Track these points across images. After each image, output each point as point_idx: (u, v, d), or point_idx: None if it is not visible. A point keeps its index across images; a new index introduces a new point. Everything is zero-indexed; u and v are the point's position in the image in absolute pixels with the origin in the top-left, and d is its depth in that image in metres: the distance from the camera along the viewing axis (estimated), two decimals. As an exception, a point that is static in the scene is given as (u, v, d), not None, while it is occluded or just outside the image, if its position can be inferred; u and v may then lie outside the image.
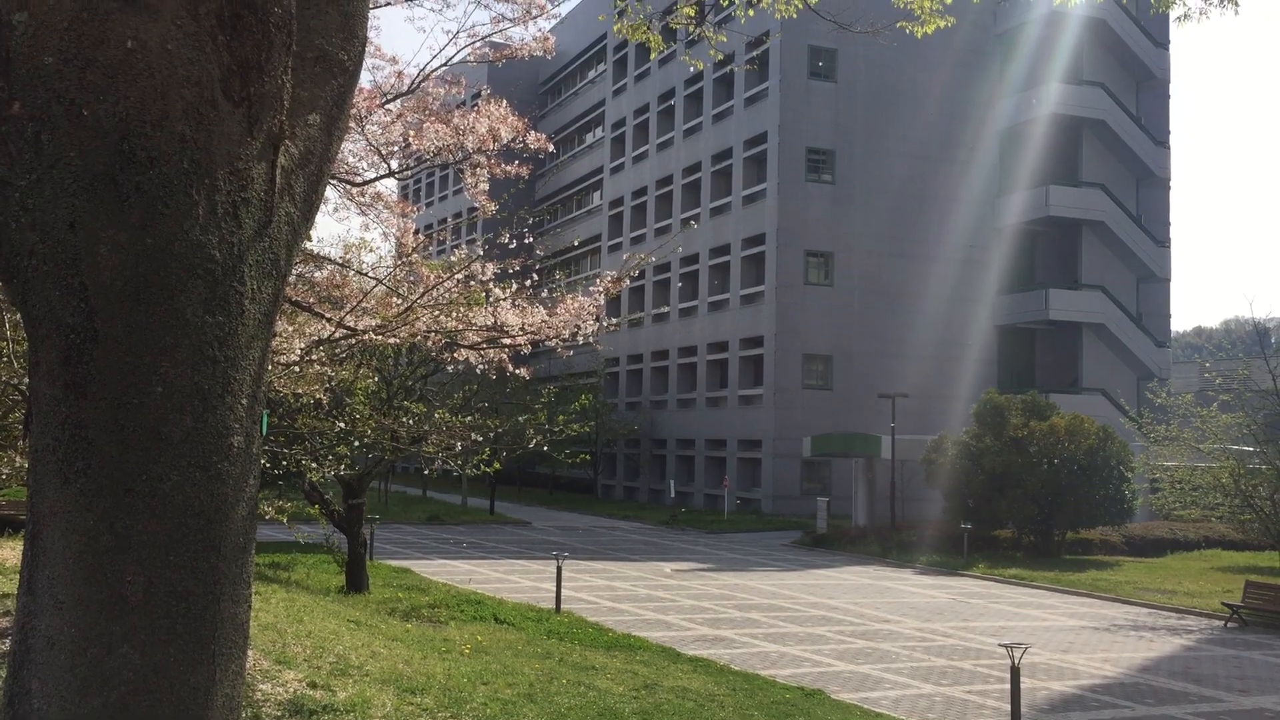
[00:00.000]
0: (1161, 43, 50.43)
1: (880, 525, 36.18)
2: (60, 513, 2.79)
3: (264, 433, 3.11)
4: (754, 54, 47.27)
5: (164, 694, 2.80)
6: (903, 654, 17.49)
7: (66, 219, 2.77)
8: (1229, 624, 22.37)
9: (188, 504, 2.85)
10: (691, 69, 51.95)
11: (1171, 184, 51.60)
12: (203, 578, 2.88)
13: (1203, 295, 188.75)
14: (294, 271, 12.84)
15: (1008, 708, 11.88)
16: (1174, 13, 8.45)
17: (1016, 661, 11.66)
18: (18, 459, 12.50)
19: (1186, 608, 24.36)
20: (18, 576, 2.97)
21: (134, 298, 2.79)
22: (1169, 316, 51.91)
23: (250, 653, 10.37)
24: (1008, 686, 11.86)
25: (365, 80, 11.83)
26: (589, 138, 66.46)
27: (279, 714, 8.96)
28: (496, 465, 16.81)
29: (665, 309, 53.83)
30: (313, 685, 9.73)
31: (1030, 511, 32.69)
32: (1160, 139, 50.38)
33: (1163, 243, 50.19)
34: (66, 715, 2.73)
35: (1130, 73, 50.34)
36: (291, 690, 9.51)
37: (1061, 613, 23.26)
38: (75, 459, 2.78)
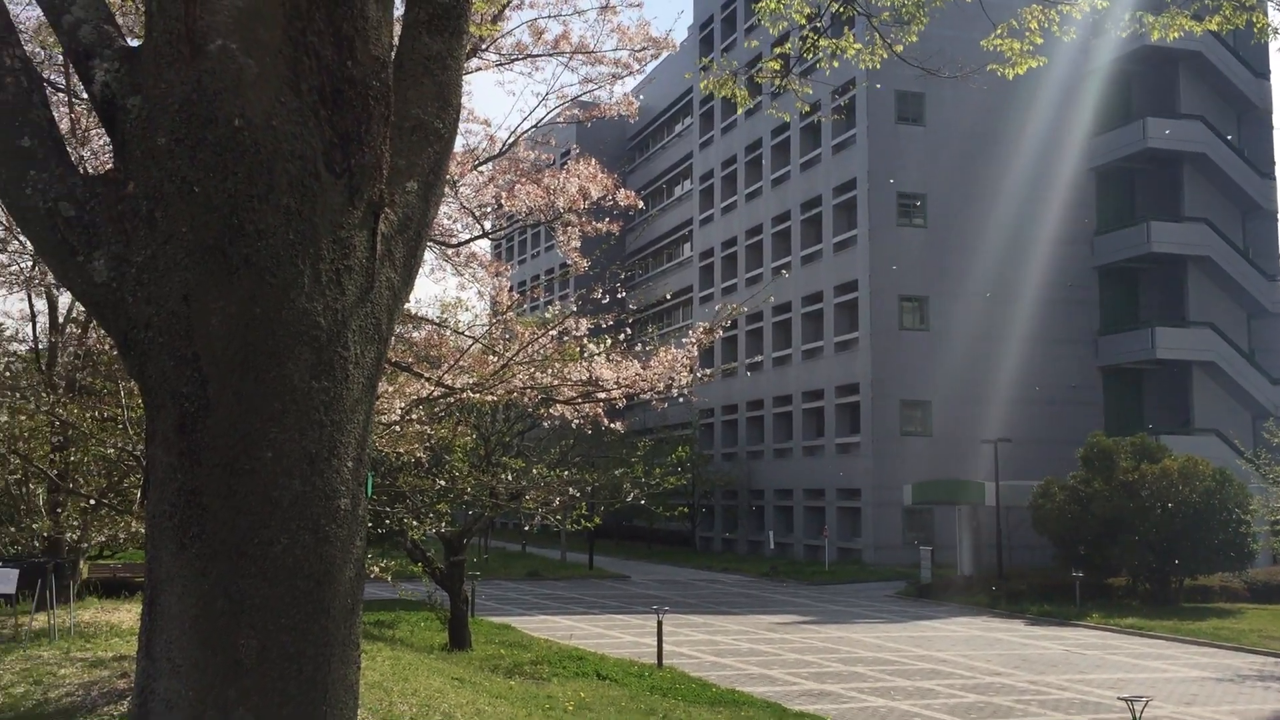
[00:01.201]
0: (1261, 73, 49.16)
1: (987, 574, 35.28)
2: (177, 577, 2.86)
3: (369, 494, 3.17)
4: (840, 101, 47.26)
5: (278, 756, 2.84)
6: (1017, 708, 16.96)
7: (180, 291, 2.87)
8: (1364, 673, 21.28)
9: (298, 567, 2.90)
10: (779, 119, 52.19)
11: (1279, 215, 49.98)
12: (313, 640, 2.92)
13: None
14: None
15: (1130, 763, 11.42)
16: (1275, 43, 8.25)
17: (1138, 715, 11.24)
18: (134, 524, 12.87)
19: (1317, 656, 23.24)
20: (136, 639, 3.04)
21: (244, 366, 2.87)
22: (1285, 353, 50.08)
23: (359, 711, 10.48)
24: (1129, 741, 11.41)
25: (458, 144, 12.10)
26: (678, 190, 66.92)
27: (387, 773, 9.02)
28: (596, 520, 16.83)
29: (759, 358, 53.60)
30: (419, 744, 9.79)
31: (1145, 558, 31.59)
32: (1265, 170, 48.93)
33: (1273, 276, 48.54)
34: (185, 778, 2.78)
35: (1230, 104, 49.09)
36: (398, 749, 9.57)
37: (1182, 663, 22.37)
38: (190, 524, 2.85)
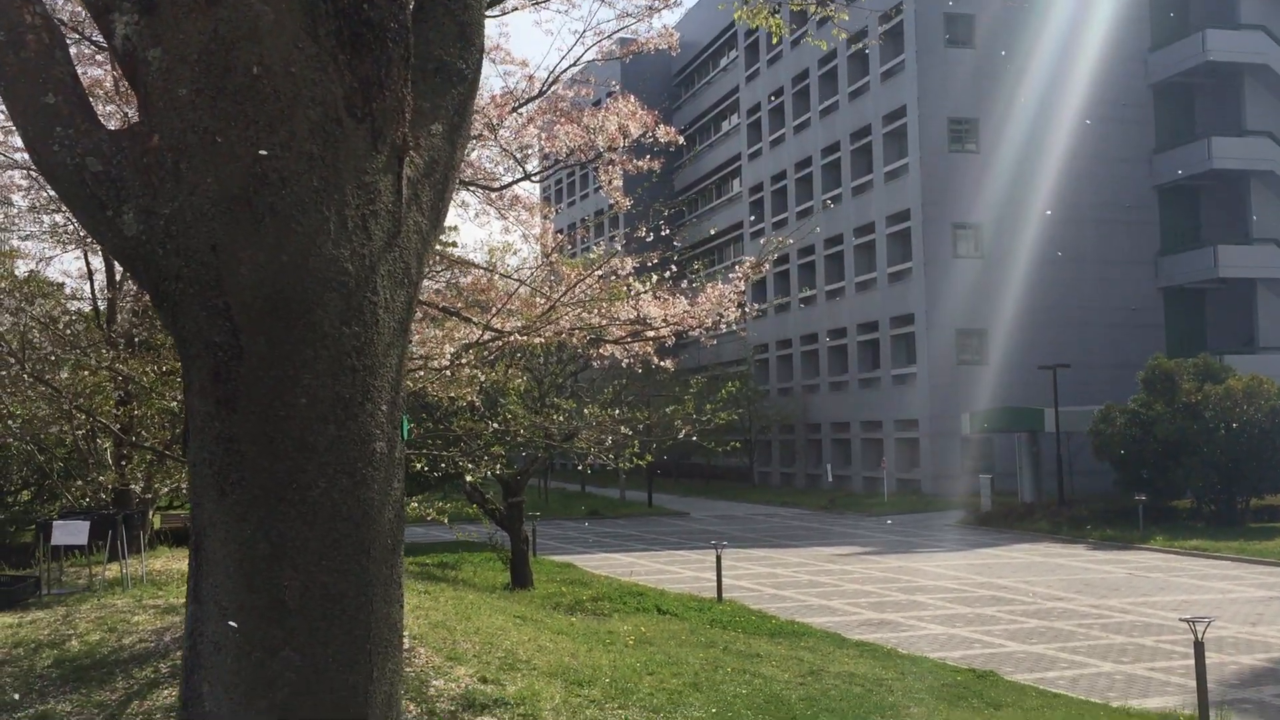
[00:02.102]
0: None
1: (1048, 501, 35.04)
2: (219, 523, 2.92)
3: (405, 438, 3.20)
4: (887, 26, 46.28)
5: (326, 694, 2.91)
6: (1079, 632, 16.91)
7: (208, 242, 2.90)
8: None
9: (336, 510, 2.95)
10: (826, 50, 51.34)
11: (1347, 124, 48.41)
12: (355, 580, 2.97)
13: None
14: (441, 278, 13.18)
15: (1193, 684, 11.37)
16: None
17: (1200, 636, 11.15)
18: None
19: (1388, 573, 22.89)
20: (188, 585, 3.12)
21: (274, 314, 2.90)
22: (1352, 265, 48.77)
23: (422, 650, 10.69)
24: (1193, 662, 11.35)
25: (497, 86, 12.05)
26: (725, 125, 66.21)
27: (452, 709, 9.22)
28: (648, 457, 16.91)
29: (812, 292, 53.23)
30: (483, 680, 9.97)
31: (1210, 479, 31.18)
32: (1332, 77, 47.38)
33: (1340, 188, 47.20)
34: (236, 716, 2.86)
35: (1294, 10, 47.47)
36: (463, 685, 9.77)
37: (1248, 584, 22.13)
38: (230, 471, 2.91)
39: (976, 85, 45.23)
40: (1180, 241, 46.92)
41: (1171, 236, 47.17)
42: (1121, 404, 33.77)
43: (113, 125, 3.63)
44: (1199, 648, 11.15)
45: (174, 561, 15.91)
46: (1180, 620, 13.14)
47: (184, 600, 12.52)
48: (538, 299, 11.72)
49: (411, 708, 8.99)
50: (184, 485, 14.16)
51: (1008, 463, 40.78)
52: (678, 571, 24.56)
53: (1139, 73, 47.05)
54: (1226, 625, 17.05)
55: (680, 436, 14.67)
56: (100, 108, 11.66)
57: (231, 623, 2.85)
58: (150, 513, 18.34)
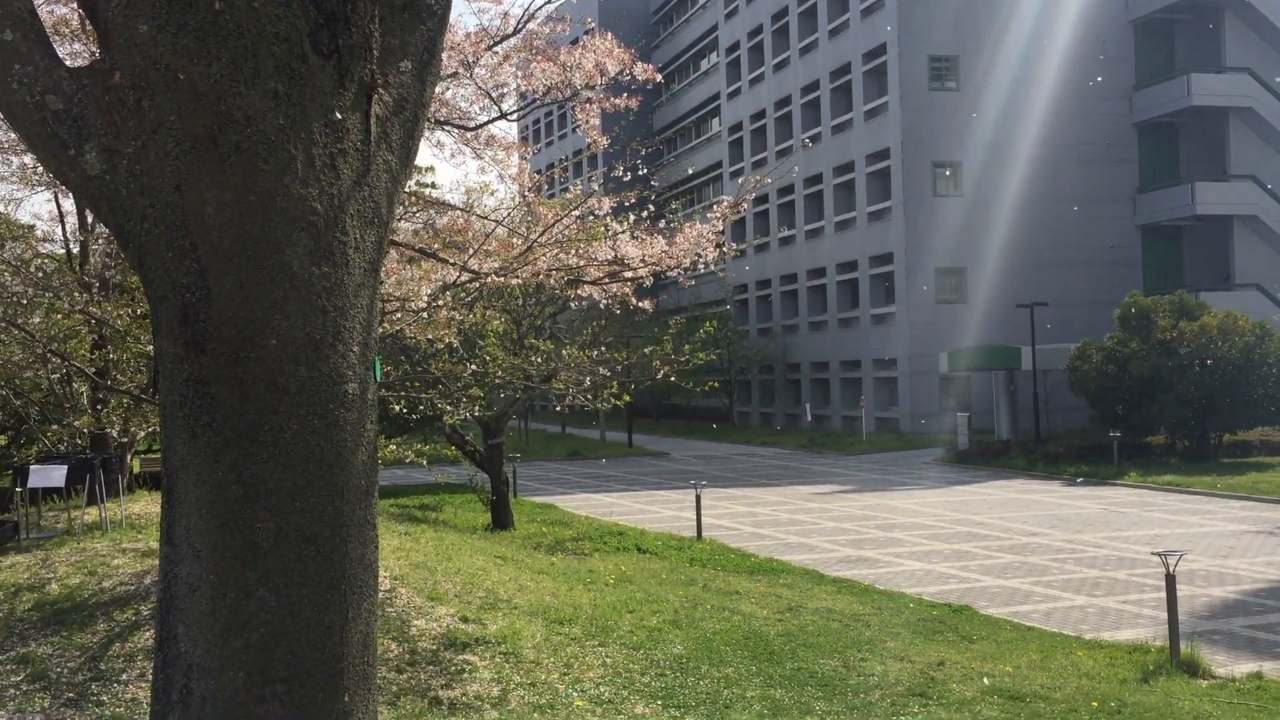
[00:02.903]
0: (1309, -91, 47.07)
1: (1024, 438, 35.38)
2: (191, 465, 2.91)
3: (378, 379, 3.18)
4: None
5: (301, 634, 2.92)
6: (1053, 567, 17.16)
7: (173, 181, 2.85)
8: (1404, 522, 21.29)
9: (309, 451, 2.94)
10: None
11: (1326, 60, 48.38)
12: (329, 521, 2.98)
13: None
14: (418, 219, 13.07)
15: (1164, 616, 11.57)
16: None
17: (1172, 569, 11.33)
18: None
19: (1357, 507, 23.26)
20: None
21: (242, 254, 2.87)
22: (1328, 202, 48.98)
23: (403, 590, 10.76)
24: (1164, 595, 11.53)
25: (471, 23, 11.86)
26: (704, 64, 65.60)
27: (433, 648, 9.30)
28: (626, 397, 16.95)
29: (791, 232, 53.13)
30: (464, 619, 10.06)
31: (1184, 416, 31.52)
32: (1311, 13, 47.22)
33: (1318, 124, 47.24)
34: (211, 657, 2.87)
35: (1275, -56, 47.15)
36: (444, 625, 9.85)
37: (1220, 518, 22.46)
38: (200, 413, 2.89)
39: (957, 22, 44.89)
40: (1159, 179, 46.97)
41: (1150, 174, 47.21)
42: (1098, 342, 34.01)
43: (81, 65, 3.56)
44: (1170, 581, 11.33)
45: (153, 505, 15.91)
46: (1152, 554, 13.34)
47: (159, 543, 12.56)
48: (515, 240, 11.64)
49: (394, 647, 9.07)
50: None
51: (985, 401, 41.10)
52: (658, 511, 24.74)
53: (1120, 9, 46.78)
54: (1198, 559, 17.33)
55: (659, 377, 14.69)
56: (68, 46, 11.44)
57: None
58: (128, 456, 18.30)
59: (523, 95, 12.68)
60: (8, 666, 8.58)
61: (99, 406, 15.16)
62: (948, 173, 45.03)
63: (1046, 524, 21.78)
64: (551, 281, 11.69)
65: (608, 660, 9.42)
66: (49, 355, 13.15)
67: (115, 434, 15.04)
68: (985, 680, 9.51)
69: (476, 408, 15.04)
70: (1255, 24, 46.34)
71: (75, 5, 11.05)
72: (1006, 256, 44.17)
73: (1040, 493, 27.34)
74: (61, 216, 16.94)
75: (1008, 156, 44.69)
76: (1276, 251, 45.75)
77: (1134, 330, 32.67)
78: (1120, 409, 32.65)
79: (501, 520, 19.56)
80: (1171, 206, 45.67)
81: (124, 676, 8.16)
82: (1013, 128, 44.81)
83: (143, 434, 14.94)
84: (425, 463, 14.93)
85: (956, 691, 9.07)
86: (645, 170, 12.47)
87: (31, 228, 17.86)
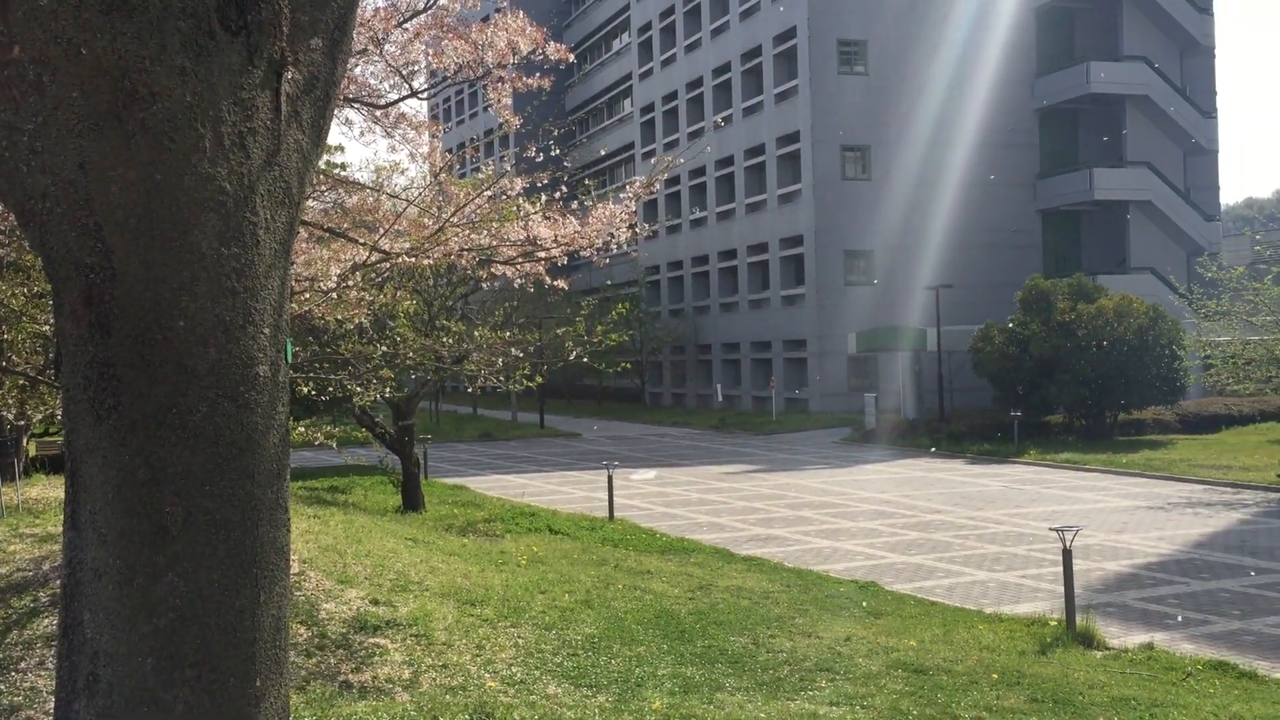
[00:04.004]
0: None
1: (929, 418, 36.16)
2: (96, 449, 2.85)
3: (289, 361, 3.15)
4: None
5: (211, 619, 2.89)
6: (955, 543, 17.60)
7: (75, 160, 2.78)
8: (1285, 496, 22.24)
9: (219, 434, 2.91)
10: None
11: (1216, 52, 50.06)
12: (240, 505, 2.94)
13: (1253, 166, 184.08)
14: (327, 198, 12.86)
15: (1062, 590, 11.96)
16: None
17: (1069, 544, 11.70)
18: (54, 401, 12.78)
19: (1242, 482, 24.24)
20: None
21: (148, 234, 2.82)
22: (1218, 189, 50.73)
23: (312, 574, 10.63)
24: (1061, 570, 11.91)
25: None
26: (616, 44, 65.45)
27: (343, 631, 9.23)
28: (539, 379, 16.92)
29: (703, 213, 53.38)
30: (375, 602, 9.99)
31: (1081, 395, 32.50)
32: (1203, 5, 48.74)
33: (1209, 114, 48.86)
34: (118, 643, 2.83)
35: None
36: (354, 608, 9.77)
37: (1115, 494, 23.24)
38: (106, 396, 2.83)
39: (865, 7, 45.45)
40: (1059, 165, 48.19)
41: (1051, 160, 48.42)
42: (1000, 323, 34.85)
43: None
44: (1067, 555, 11.71)
45: (51, 489, 15.47)
46: (1050, 530, 13.76)
47: (62, 528, 12.22)
48: (426, 219, 11.52)
49: (303, 631, 8.97)
50: (59, 411, 13.71)
51: (892, 381, 41.86)
52: (570, 492, 24.77)
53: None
54: (1094, 534, 17.91)
55: (571, 358, 14.69)
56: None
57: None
58: (24, 440, 17.73)
59: (433, 73, 12.54)
60: (-102, 657, 8.30)
61: (-8, 388, 14.66)
62: (856, 156, 45.64)
63: (950, 501, 22.31)
64: (463, 262, 11.62)
65: (520, 641, 9.44)
66: (-62, 335, 12.67)
67: (10, 417, 14.58)
68: (890, 655, 9.74)
69: (387, 389, 14.88)
70: (1152, 13, 47.72)
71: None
72: (913, 238, 44.98)
73: (944, 471, 27.97)
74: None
75: (915, 141, 45.45)
76: (1169, 236, 47.30)
77: (1034, 312, 33.55)
78: (1021, 389, 33.54)
79: (412, 502, 19.42)
80: (1070, 191, 46.91)
81: (22, 665, 7.95)
82: (920, 112, 45.56)
83: (39, 417, 14.51)
84: (335, 445, 14.75)
85: (862, 666, 9.28)
86: (558, 150, 12.44)
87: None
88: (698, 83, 53.80)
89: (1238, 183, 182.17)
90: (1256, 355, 30.63)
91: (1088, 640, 11.15)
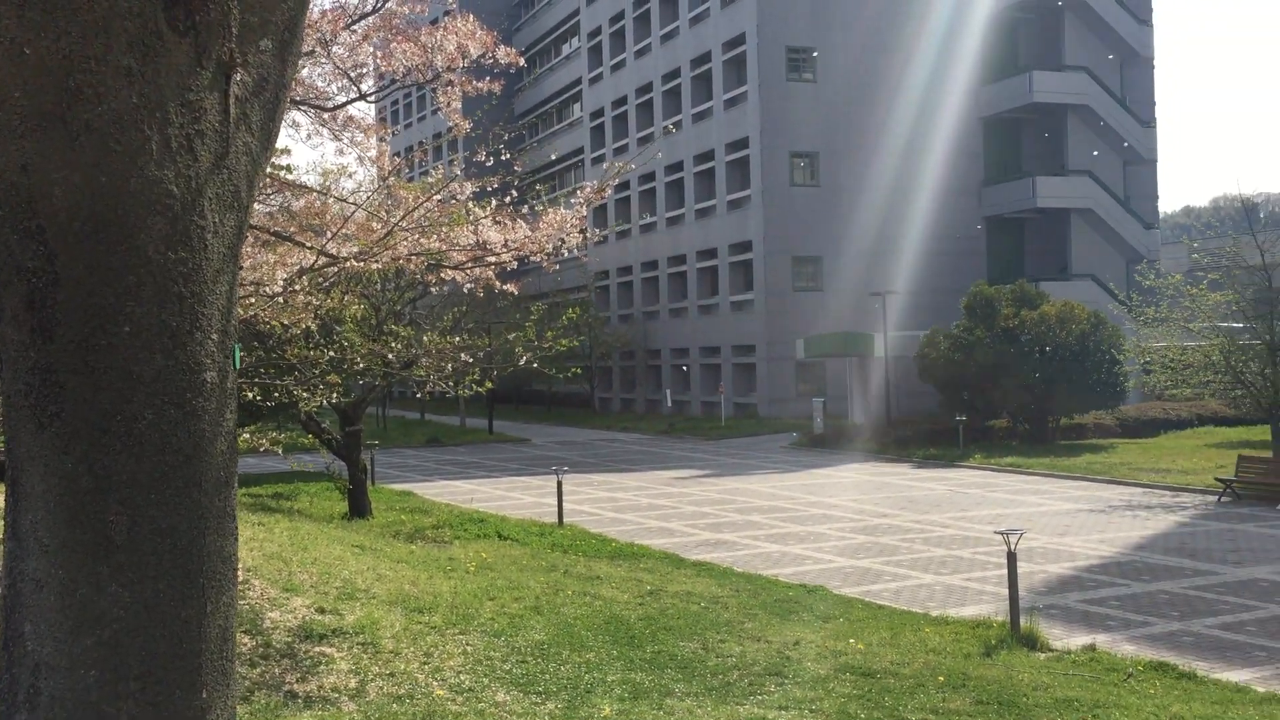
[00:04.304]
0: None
1: (876, 422, 36.47)
2: (38, 457, 2.79)
3: (236, 367, 3.10)
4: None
5: (156, 629, 2.83)
6: (902, 547, 17.75)
7: (18, 161, 2.72)
8: (1222, 498, 22.69)
9: (165, 442, 2.85)
10: (665, -29, 51.02)
11: (1155, 63, 51.03)
12: (186, 514, 2.89)
13: (1191, 175, 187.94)
14: (273, 201, 12.71)
15: (1006, 592, 12.09)
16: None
17: (1013, 547, 11.84)
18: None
19: (1181, 485, 24.69)
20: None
21: (93, 238, 2.76)
22: (1157, 198, 51.76)
23: (256, 582, 10.49)
24: (1005, 572, 12.06)
25: (328, 1, 11.61)
26: (565, 48, 65.41)
27: (289, 640, 9.10)
28: (488, 384, 16.85)
29: (652, 219, 53.47)
30: (320, 610, 9.87)
31: (1024, 400, 32.95)
32: (1143, 17, 49.70)
33: (1148, 123, 49.80)
34: (61, 655, 2.76)
35: (1111, -49, 49.50)
36: (300, 616, 9.65)
37: (1057, 497, 23.57)
38: (48, 403, 2.77)
39: (814, 15, 45.82)
40: (1003, 173, 48.88)
41: (995, 168, 49.11)
42: (946, 329, 35.24)
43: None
44: (1011, 558, 11.85)
45: (-13, 497, 15.16)
46: (995, 533, 13.93)
47: (2, 538, 11.97)
48: (374, 223, 11.42)
49: (247, 641, 8.85)
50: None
51: (840, 386, 42.20)
52: (519, 497, 24.68)
53: (969, 9, 48.41)
54: (1037, 537, 18.16)
55: (521, 363, 14.64)
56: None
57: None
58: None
59: (382, 76, 12.45)
60: None
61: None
62: (804, 163, 45.97)
63: (896, 505, 22.50)
64: (412, 266, 11.54)
65: (468, 648, 9.38)
66: None
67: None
68: (838, 658, 9.80)
69: (334, 394, 14.74)
70: (1093, 24, 48.56)
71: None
72: (860, 245, 45.37)
73: (891, 475, 28.22)
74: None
75: (863, 148, 45.88)
76: (1110, 244, 48.13)
77: (979, 318, 33.97)
78: (966, 394, 33.94)
79: (359, 508, 19.24)
80: (1014, 199, 47.59)
81: (-43, 677, 7.76)
82: (867, 120, 46.00)
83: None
84: (280, 451, 14.57)
85: (811, 670, 9.32)
86: (508, 155, 12.38)
87: None
88: (647, 88, 53.92)
89: (1176, 192, 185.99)
90: (1194, 360, 31.24)
91: (1031, 642, 11.29)
